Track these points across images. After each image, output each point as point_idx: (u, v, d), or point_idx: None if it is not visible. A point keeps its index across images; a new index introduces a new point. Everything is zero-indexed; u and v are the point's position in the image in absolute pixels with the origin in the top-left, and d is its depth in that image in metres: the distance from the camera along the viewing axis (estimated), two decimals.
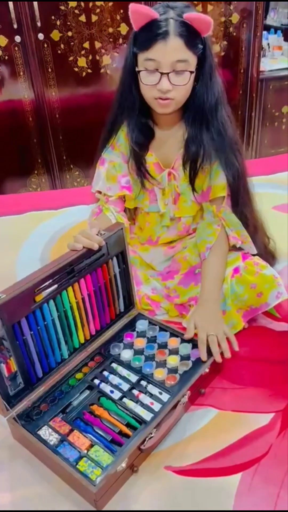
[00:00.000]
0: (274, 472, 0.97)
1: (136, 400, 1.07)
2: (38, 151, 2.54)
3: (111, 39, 2.38)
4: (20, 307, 0.98)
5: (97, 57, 2.40)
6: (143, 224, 1.43)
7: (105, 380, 1.13)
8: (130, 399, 1.07)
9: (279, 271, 1.47)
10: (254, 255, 1.34)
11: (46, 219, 1.94)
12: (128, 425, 1.02)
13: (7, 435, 1.08)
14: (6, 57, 2.25)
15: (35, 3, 2.16)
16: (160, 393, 1.09)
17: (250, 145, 3.00)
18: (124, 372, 1.15)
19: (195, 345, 1.17)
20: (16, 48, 2.25)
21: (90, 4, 2.26)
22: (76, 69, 2.40)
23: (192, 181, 1.29)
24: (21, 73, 2.31)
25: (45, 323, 1.05)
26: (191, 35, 1.09)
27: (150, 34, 1.09)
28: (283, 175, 2.17)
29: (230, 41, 2.63)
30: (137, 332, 1.26)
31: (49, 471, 1.00)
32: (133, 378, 1.13)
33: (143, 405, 1.06)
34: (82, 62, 2.39)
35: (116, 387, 1.11)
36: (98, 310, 1.19)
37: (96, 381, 1.12)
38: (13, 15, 2.16)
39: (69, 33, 2.30)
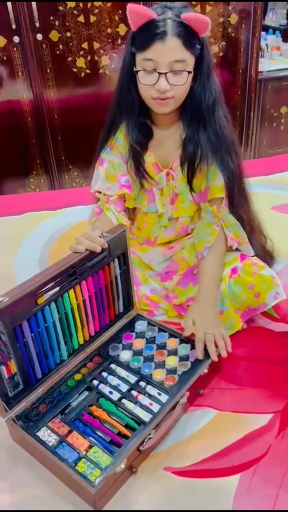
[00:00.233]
0: (273, 473, 0.97)
1: (135, 401, 1.07)
2: (37, 152, 2.54)
3: (109, 40, 2.38)
4: (22, 310, 0.98)
5: (96, 58, 2.40)
6: (141, 224, 1.43)
7: (104, 381, 1.13)
8: (129, 400, 1.07)
9: (278, 271, 1.47)
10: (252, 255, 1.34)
11: (45, 220, 1.94)
12: (127, 426, 1.02)
13: (6, 436, 1.07)
14: (5, 58, 2.25)
15: (34, 4, 2.16)
16: (159, 394, 1.08)
17: (248, 145, 3.00)
18: (123, 373, 1.15)
19: (194, 346, 1.17)
20: (15, 49, 2.25)
21: (89, 4, 2.26)
22: (74, 70, 2.40)
23: (190, 182, 1.29)
24: (20, 74, 2.31)
25: (46, 325, 1.05)
26: (189, 35, 1.10)
27: (148, 34, 1.09)
28: (281, 176, 2.17)
29: (228, 41, 2.63)
30: (136, 333, 1.26)
31: (48, 472, 0.99)
32: (132, 379, 1.13)
33: (142, 406, 1.06)
34: (80, 62, 2.38)
35: (115, 388, 1.11)
36: (98, 312, 1.19)
37: (95, 382, 1.12)
38: (11, 15, 2.16)
39: (68, 34, 2.30)
